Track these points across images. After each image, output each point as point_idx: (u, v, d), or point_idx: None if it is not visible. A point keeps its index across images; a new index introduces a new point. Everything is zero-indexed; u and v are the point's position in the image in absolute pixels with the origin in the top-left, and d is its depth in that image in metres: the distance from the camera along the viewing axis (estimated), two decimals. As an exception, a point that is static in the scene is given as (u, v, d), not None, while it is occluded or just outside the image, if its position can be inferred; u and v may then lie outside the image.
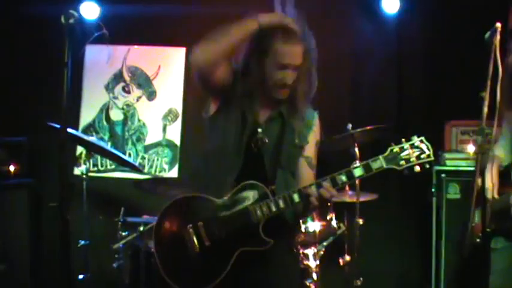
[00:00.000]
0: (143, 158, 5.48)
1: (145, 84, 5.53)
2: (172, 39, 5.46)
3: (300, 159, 2.82)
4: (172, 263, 2.67)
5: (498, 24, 2.91)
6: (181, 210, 2.74)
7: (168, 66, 5.50)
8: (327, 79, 2.98)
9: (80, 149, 5.23)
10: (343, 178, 2.60)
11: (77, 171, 4.96)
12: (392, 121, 4.96)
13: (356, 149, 4.20)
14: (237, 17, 2.89)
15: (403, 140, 2.64)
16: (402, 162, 2.60)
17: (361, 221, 4.31)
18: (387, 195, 4.87)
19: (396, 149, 2.61)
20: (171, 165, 5.45)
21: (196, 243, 2.64)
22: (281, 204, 2.61)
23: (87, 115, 5.55)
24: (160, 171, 5.44)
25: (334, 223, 4.20)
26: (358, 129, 4.19)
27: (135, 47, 5.55)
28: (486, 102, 2.84)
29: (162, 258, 2.68)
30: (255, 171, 2.72)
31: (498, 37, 2.92)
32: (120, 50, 5.53)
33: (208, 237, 2.64)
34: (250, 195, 2.65)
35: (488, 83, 2.89)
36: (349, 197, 4.35)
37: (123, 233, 4.25)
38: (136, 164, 5.19)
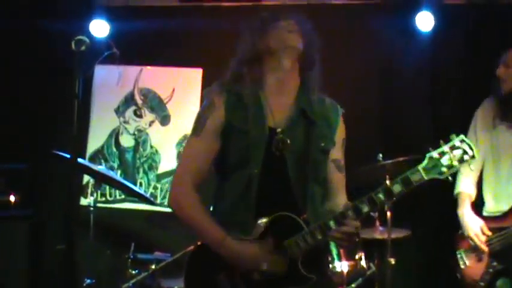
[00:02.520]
0: (155, 188, 5.47)
1: (158, 108, 5.54)
2: (188, 59, 5.48)
3: (329, 164, 2.75)
4: None
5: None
6: (210, 255, 2.61)
7: (183, 88, 5.52)
8: (356, 100, 2.95)
9: (87, 177, 5.24)
10: (381, 197, 2.49)
11: (83, 201, 4.96)
12: (428, 149, 4.90)
13: (388, 182, 4.14)
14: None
15: (441, 142, 2.49)
16: (444, 169, 2.46)
17: (392, 261, 4.24)
18: (421, 232, 4.80)
19: (435, 155, 2.46)
20: (185, 195, 5.42)
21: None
22: (318, 235, 2.52)
23: (95, 141, 5.57)
24: (173, 203, 5.41)
25: (363, 263, 4.14)
26: (390, 161, 4.13)
27: (148, 67, 5.58)
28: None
29: None
30: (278, 186, 2.63)
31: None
32: (132, 70, 5.57)
33: (245, 283, 2.56)
34: (283, 230, 2.55)
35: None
36: (379, 233, 4.30)
37: (133, 271, 4.21)
38: (148, 194, 5.18)
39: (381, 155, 4.17)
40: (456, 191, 3.94)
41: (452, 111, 5.28)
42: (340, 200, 2.74)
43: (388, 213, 4.12)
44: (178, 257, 4.04)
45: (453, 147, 2.47)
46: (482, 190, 3.92)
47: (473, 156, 2.46)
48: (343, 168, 2.79)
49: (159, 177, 5.49)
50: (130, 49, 5.43)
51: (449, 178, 2.48)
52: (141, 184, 5.47)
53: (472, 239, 3.74)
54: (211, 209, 2.79)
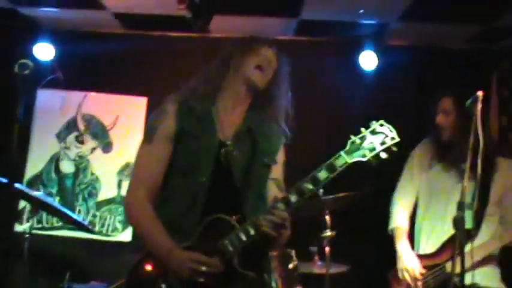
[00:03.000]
0: (94, 215, 5.41)
1: (101, 134, 5.52)
2: (133, 87, 5.50)
3: (268, 181, 2.84)
4: None
5: (480, 93, 3.00)
6: (152, 263, 2.68)
7: (127, 116, 5.52)
8: (300, 137, 3.01)
9: (23, 203, 5.15)
10: (309, 186, 2.57)
11: (19, 227, 4.87)
12: (372, 186, 4.99)
13: (327, 217, 4.20)
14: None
15: (362, 129, 2.60)
16: (366, 152, 2.56)
17: (330, 295, 4.27)
18: (359, 267, 4.85)
19: (357, 140, 2.57)
20: (125, 224, 5.38)
21: None
22: (251, 231, 2.58)
23: (34, 165, 5.50)
24: (112, 231, 5.37)
25: (301, 297, 4.16)
26: (330, 196, 4.19)
27: (92, 93, 5.56)
28: (467, 175, 2.89)
29: None
30: (223, 195, 2.71)
31: (479, 106, 3.00)
32: (75, 96, 5.54)
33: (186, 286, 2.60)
34: (218, 232, 2.62)
35: (469, 153, 2.94)
36: (318, 268, 4.32)
37: (67, 301, 4.16)
38: (86, 222, 5.11)
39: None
40: (391, 226, 4.01)
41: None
42: None
43: (327, 248, 4.16)
44: (115, 287, 3.99)
45: (373, 132, 2.58)
46: (415, 228, 4.01)
47: (393, 138, 2.56)
48: (282, 188, 2.83)
49: (99, 205, 5.44)
50: (75, 74, 5.41)
51: (374, 162, 2.56)
52: (79, 211, 5.40)
53: (408, 271, 3.79)
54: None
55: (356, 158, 2.56)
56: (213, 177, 2.71)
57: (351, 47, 5.37)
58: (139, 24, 5.44)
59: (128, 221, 2.82)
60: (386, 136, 2.58)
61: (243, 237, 2.58)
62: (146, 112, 5.49)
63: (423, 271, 3.76)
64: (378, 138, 2.57)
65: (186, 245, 2.63)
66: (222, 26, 5.27)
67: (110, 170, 5.48)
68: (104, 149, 5.51)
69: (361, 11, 4.90)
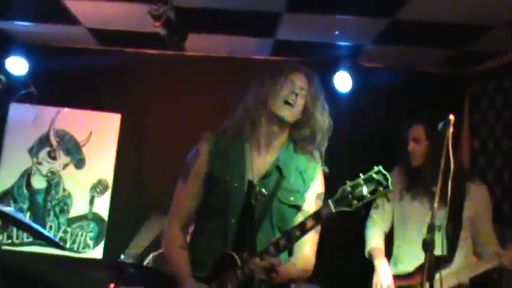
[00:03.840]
0: (66, 232, 5.39)
1: (73, 150, 5.51)
2: (107, 103, 5.51)
3: (298, 214, 2.84)
4: None
5: (451, 117, 3.04)
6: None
7: (100, 133, 5.52)
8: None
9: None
10: (297, 233, 2.59)
11: (-12, 243, 4.82)
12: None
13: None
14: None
15: (360, 174, 2.50)
16: (354, 201, 2.46)
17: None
18: (333, 285, 4.87)
19: (347, 188, 2.48)
20: (96, 241, 5.38)
21: None
22: (246, 269, 2.63)
23: (5, 180, 5.47)
24: (84, 248, 5.35)
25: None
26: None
27: (65, 109, 5.56)
28: (437, 198, 2.93)
29: None
30: (247, 234, 2.76)
31: (451, 129, 3.05)
32: (48, 111, 5.53)
33: None
34: (225, 267, 2.69)
35: (440, 176, 2.99)
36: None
37: (36, 319, 4.13)
38: (57, 238, 5.09)
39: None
40: (368, 248, 4.05)
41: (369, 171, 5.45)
42: (304, 254, 2.84)
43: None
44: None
45: (368, 179, 2.47)
46: (392, 257, 4.04)
47: (387, 187, 2.45)
48: None
49: (70, 222, 5.42)
50: (48, 89, 5.42)
51: (363, 212, 2.49)
52: (51, 227, 5.38)
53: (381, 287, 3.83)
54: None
55: (342, 208, 2.51)
56: (242, 217, 2.78)
57: (325, 68, 5.43)
58: (115, 40, 5.46)
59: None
60: (380, 184, 2.47)
61: (240, 276, 2.65)
62: (120, 128, 5.50)
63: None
64: (369, 186, 2.47)
65: (202, 275, 2.76)
66: (198, 44, 5.31)
67: (82, 186, 5.47)
68: (77, 165, 5.50)
69: (337, 32, 4.96)
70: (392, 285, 3.82)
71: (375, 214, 4.11)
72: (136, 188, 5.48)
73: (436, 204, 2.91)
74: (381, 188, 2.46)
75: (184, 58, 5.54)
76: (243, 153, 2.89)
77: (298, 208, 2.86)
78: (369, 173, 2.49)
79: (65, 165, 5.49)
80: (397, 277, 3.88)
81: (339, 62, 5.37)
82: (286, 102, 2.85)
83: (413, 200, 3.93)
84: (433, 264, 2.85)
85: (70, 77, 5.44)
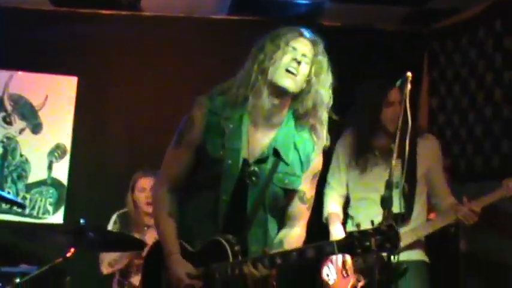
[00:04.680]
0: (24, 198, 5.33)
1: (30, 115, 5.42)
2: (63, 66, 5.41)
3: (294, 196, 2.82)
4: None
5: (409, 74, 3.08)
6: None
7: (56, 96, 5.43)
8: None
9: None
10: (295, 257, 2.52)
11: None
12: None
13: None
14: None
15: (371, 222, 2.49)
16: (359, 251, 2.37)
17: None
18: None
19: (355, 234, 2.38)
20: (56, 206, 5.34)
21: None
22: (236, 270, 2.61)
23: (-41, 147, 5.38)
24: (43, 214, 5.32)
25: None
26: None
27: (19, 73, 5.44)
28: (395, 155, 2.97)
29: None
30: (238, 214, 2.73)
31: (409, 87, 3.08)
32: (2, 75, 5.41)
33: None
34: (214, 253, 2.68)
35: (398, 133, 3.03)
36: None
37: (-4, 286, 4.10)
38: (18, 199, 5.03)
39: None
40: (325, 214, 4.09)
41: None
42: (295, 230, 2.84)
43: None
44: (45, 269, 3.96)
45: (378, 232, 2.36)
46: (349, 219, 4.10)
47: (395, 246, 2.34)
48: (307, 200, 2.85)
49: (29, 187, 5.37)
50: (0, 52, 5.29)
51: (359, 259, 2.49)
52: (9, 194, 5.30)
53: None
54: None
55: (345, 252, 2.51)
56: (234, 195, 2.74)
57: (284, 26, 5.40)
58: (69, 1, 5.35)
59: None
60: (389, 241, 2.34)
61: (229, 272, 2.62)
62: (77, 91, 5.42)
63: None
64: (378, 238, 2.34)
65: (191, 250, 2.77)
66: (154, 4, 5.25)
67: (40, 151, 5.40)
68: (33, 130, 5.42)
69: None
70: None
71: (331, 179, 4.14)
72: (96, 151, 5.43)
73: (393, 161, 2.96)
74: (389, 245, 2.34)
75: (140, 18, 5.47)
76: (240, 127, 2.77)
77: (292, 190, 2.81)
78: (381, 225, 2.40)
79: (21, 130, 5.41)
80: None
81: (298, 20, 5.34)
82: (288, 71, 2.69)
83: (371, 162, 3.97)
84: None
85: (23, 40, 5.33)
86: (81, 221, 3.77)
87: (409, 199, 3.80)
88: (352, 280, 3.88)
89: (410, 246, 3.79)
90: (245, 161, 2.75)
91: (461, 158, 5.18)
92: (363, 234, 2.36)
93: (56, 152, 5.39)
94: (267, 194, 2.74)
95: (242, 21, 5.54)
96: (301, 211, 2.84)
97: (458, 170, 5.13)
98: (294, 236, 2.81)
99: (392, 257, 3.03)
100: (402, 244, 3.30)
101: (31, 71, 5.44)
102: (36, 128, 5.42)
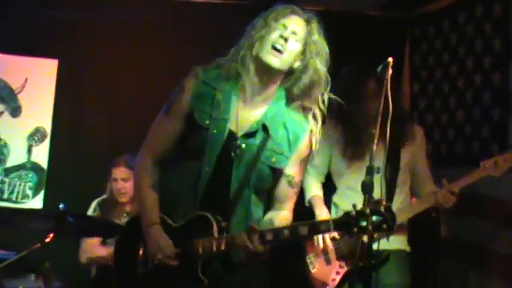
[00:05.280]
0: (3, 182, 5.28)
1: (8, 98, 5.35)
2: (43, 49, 5.34)
3: (280, 177, 2.76)
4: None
5: (390, 59, 3.04)
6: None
7: (36, 79, 5.36)
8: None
9: None
10: (287, 235, 2.48)
11: None
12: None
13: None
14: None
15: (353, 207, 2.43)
16: (355, 229, 2.36)
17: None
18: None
19: (352, 213, 2.36)
20: (35, 191, 5.29)
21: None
22: (222, 246, 2.55)
23: None
24: (22, 198, 5.27)
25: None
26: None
27: (-1, 55, 5.35)
28: (376, 140, 2.95)
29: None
30: (221, 188, 2.68)
31: (390, 72, 3.05)
32: (-20, 57, 5.32)
33: (148, 264, 2.73)
34: (199, 228, 2.62)
35: (379, 119, 3.00)
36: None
37: (-27, 271, 4.05)
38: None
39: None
40: (308, 197, 4.06)
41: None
42: (284, 213, 2.79)
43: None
44: (24, 255, 3.92)
45: (375, 212, 2.36)
46: (333, 204, 4.08)
47: (391, 227, 2.34)
48: (295, 185, 2.80)
49: (8, 171, 5.31)
50: (-22, 34, 5.21)
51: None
52: (-17, 181, 5.26)
53: (319, 237, 3.87)
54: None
55: (341, 231, 2.53)
56: (216, 168, 2.68)
57: (264, 11, 5.36)
58: (51, -17, 5.27)
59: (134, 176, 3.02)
60: (386, 223, 2.34)
61: (214, 249, 2.56)
62: (57, 74, 5.36)
63: (337, 236, 3.85)
64: (375, 219, 2.34)
65: (173, 225, 2.71)
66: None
67: (19, 135, 5.34)
68: (12, 114, 5.35)
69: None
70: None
71: (311, 164, 4.09)
72: (76, 135, 5.39)
73: (374, 147, 2.93)
74: (385, 226, 2.34)
75: (123, 2, 5.39)
76: (229, 99, 2.72)
77: (279, 171, 2.75)
78: (378, 206, 2.37)
79: (0, 114, 5.34)
80: None
81: (277, 4, 5.29)
82: (274, 48, 2.63)
83: (360, 152, 3.93)
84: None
85: (3, 22, 5.25)
86: (61, 205, 3.73)
87: (390, 184, 3.80)
88: (334, 267, 3.88)
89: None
90: (232, 134, 2.70)
91: (443, 142, 5.20)
92: (360, 214, 2.36)
93: (36, 135, 5.33)
94: (254, 172, 2.69)
95: (226, 5, 5.48)
96: (289, 194, 2.81)
97: (440, 155, 5.14)
98: (283, 218, 2.76)
99: (373, 245, 3.02)
100: None
101: (11, 53, 5.35)
102: (15, 111, 5.35)
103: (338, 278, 3.86)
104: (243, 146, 2.68)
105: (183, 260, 2.64)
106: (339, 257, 3.89)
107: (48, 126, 5.34)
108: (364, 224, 2.34)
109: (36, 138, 5.33)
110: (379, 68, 3.11)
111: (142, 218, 2.76)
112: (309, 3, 5.40)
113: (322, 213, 3.93)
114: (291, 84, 2.74)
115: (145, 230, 2.71)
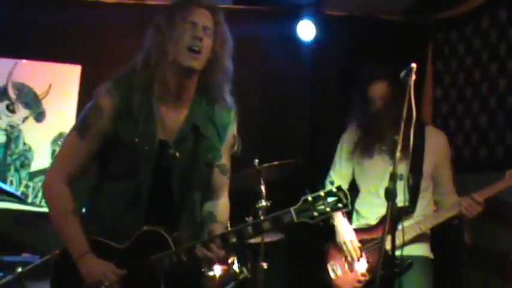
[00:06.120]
0: (27, 186, 5.30)
1: (33, 103, 5.37)
2: (67, 54, 5.36)
3: (213, 168, 2.76)
4: None
5: (413, 65, 3.01)
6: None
7: (60, 84, 5.38)
8: (235, 105, 2.96)
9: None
10: (251, 232, 2.51)
11: None
12: (305, 156, 5.02)
13: (262, 187, 4.21)
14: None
15: (319, 189, 2.52)
16: (315, 214, 2.46)
17: (265, 265, 4.30)
18: (294, 236, 4.88)
19: (310, 198, 2.48)
20: (58, 195, 5.29)
21: None
22: (183, 256, 2.52)
23: (-38, 135, 5.33)
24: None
25: (235, 267, 4.17)
26: (265, 165, 4.20)
27: (23, 61, 5.39)
28: (399, 147, 2.91)
29: None
30: (163, 199, 2.63)
31: (413, 77, 3.01)
32: (5, 63, 5.35)
33: None
34: (151, 244, 2.55)
35: (402, 125, 2.96)
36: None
37: (-2, 275, 4.07)
38: (19, 193, 5.00)
39: (257, 160, 4.22)
40: None
41: (330, 119, 5.45)
42: (221, 200, 2.81)
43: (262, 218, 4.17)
44: (48, 259, 3.92)
45: (329, 194, 2.49)
46: (355, 208, 4.03)
47: (346, 205, 2.49)
48: (227, 171, 2.82)
49: (32, 176, 5.33)
50: (4, 40, 5.23)
51: (321, 223, 2.50)
52: (12, 182, 5.28)
53: (345, 244, 3.83)
54: (83, 210, 2.76)
55: (303, 219, 2.49)
56: (154, 180, 2.62)
57: (288, 16, 5.35)
58: (73, -12, 5.29)
59: (46, 204, 2.76)
60: (340, 201, 2.49)
61: (174, 260, 2.52)
62: (80, 80, 5.37)
63: (359, 245, 3.81)
64: (330, 201, 2.48)
65: (118, 247, 2.58)
66: (159, -8, 5.17)
67: (43, 139, 5.35)
68: (37, 118, 5.37)
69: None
70: (355, 239, 3.83)
71: (332, 172, 4.08)
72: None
73: (398, 154, 2.90)
74: (341, 205, 2.49)
75: (144, 7, 5.39)
76: (151, 109, 2.62)
77: (212, 165, 2.75)
78: (329, 188, 2.51)
79: (25, 119, 5.36)
80: (359, 230, 3.89)
81: (302, 10, 5.29)
82: (191, 50, 2.57)
83: (374, 155, 3.90)
84: (395, 214, 2.85)
85: (27, 28, 5.27)
86: (83, 210, 3.73)
87: (413, 192, 3.75)
88: (356, 275, 3.83)
89: (414, 240, 3.73)
90: (163, 142, 2.64)
91: (465, 148, 5.13)
92: (316, 198, 2.47)
93: (59, 140, 5.34)
94: (194, 174, 2.66)
95: (246, 11, 5.47)
96: (224, 183, 2.82)
97: (462, 161, 5.07)
98: (222, 206, 2.80)
99: (396, 252, 2.98)
100: (406, 238, 3.27)
101: (35, 59, 5.39)
102: (39, 116, 5.38)
103: (360, 286, 3.81)
104: (177, 154, 2.63)
105: (141, 280, 2.54)
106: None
107: (71, 131, 5.35)
108: (321, 207, 2.46)
109: (59, 142, 5.34)
110: (403, 74, 3.08)
111: (70, 250, 2.58)
112: (332, 9, 5.46)
113: (340, 221, 3.89)
114: (207, 78, 2.68)
115: (78, 263, 2.54)
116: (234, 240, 2.51)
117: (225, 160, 2.80)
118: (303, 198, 2.48)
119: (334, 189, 2.50)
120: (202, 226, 2.72)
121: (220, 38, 2.67)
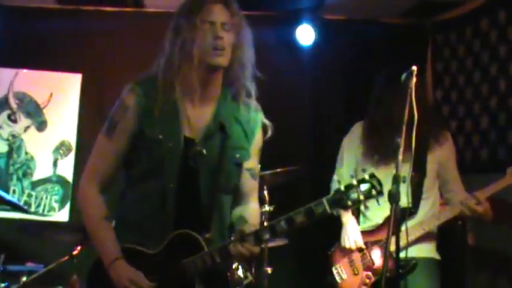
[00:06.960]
0: (30, 195, 5.31)
1: (34, 113, 5.38)
2: (67, 64, 5.37)
3: (243, 172, 2.73)
4: None
5: (414, 68, 3.01)
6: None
7: (61, 93, 5.39)
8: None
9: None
10: (284, 226, 2.46)
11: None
12: (305, 161, 5.03)
13: (265, 192, 4.21)
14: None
15: (352, 178, 2.49)
16: (349, 203, 2.45)
17: (269, 270, 4.30)
18: (298, 241, 4.89)
19: (342, 188, 2.45)
20: (61, 204, 5.31)
21: None
22: (217, 258, 2.49)
23: (-36, 145, 5.34)
24: (49, 211, 5.29)
25: (240, 272, 4.16)
26: (268, 172, 4.20)
27: (24, 70, 5.40)
28: (401, 149, 2.91)
29: None
30: (191, 200, 2.60)
31: (414, 80, 3.02)
32: (6, 73, 5.37)
33: None
34: (184, 247, 2.53)
35: (404, 128, 2.96)
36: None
37: (2, 284, 4.07)
38: (21, 202, 5.01)
39: (259, 166, 4.21)
40: None
41: (331, 124, 5.46)
42: (251, 205, 2.78)
43: (265, 223, 4.18)
44: (52, 268, 3.94)
45: (362, 181, 2.46)
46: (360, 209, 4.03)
47: (380, 192, 2.46)
48: (257, 176, 2.80)
49: (34, 185, 5.33)
50: (5, 51, 5.25)
51: (335, 213, 2.50)
52: (14, 192, 5.28)
53: (356, 243, 3.82)
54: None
55: (337, 208, 2.48)
56: (181, 180, 2.58)
57: (288, 21, 5.37)
58: (73, -1, 5.30)
59: (80, 208, 2.72)
60: (374, 188, 2.46)
61: (208, 262, 2.50)
62: (81, 89, 5.39)
63: (363, 246, 3.81)
64: (364, 189, 2.45)
65: (151, 252, 2.56)
66: (158, 0, 5.19)
67: (45, 149, 5.36)
68: (38, 128, 5.38)
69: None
70: (361, 239, 3.83)
71: (335, 174, 4.05)
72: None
73: (400, 156, 2.90)
74: (375, 192, 2.46)
75: (143, 15, 5.42)
76: (175, 107, 2.61)
77: (240, 165, 2.71)
78: (362, 176, 2.47)
79: (26, 128, 5.37)
80: (364, 233, 3.89)
81: (301, 14, 5.31)
82: (216, 49, 2.56)
83: (384, 158, 3.88)
84: (398, 216, 2.85)
85: (27, 38, 5.30)
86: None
87: (416, 193, 3.74)
88: (362, 278, 3.83)
89: (419, 241, 3.72)
90: (189, 140, 2.62)
91: (467, 149, 5.14)
92: (349, 187, 2.45)
93: (61, 149, 5.35)
94: (222, 174, 2.62)
95: (247, 17, 5.47)
96: (254, 186, 2.80)
97: (464, 162, 5.07)
98: (253, 210, 2.77)
99: (401, 253, 2.98)
100: (410, 238, 3.27)
101: (36, 68, 5.40)
102: (41, 125, 5.38)
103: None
104: (204, 151, 2.61)
105: (174, 285, 2.53)
106: (366, 268, 3.85)
107: (73, 140, 5.37)
108: (355, 195, 2.44)
109: (61, 151, 5.35)
110: (403, 77, 3.08)
111: (102, 256, 2.57)
112: (331, 13, 5.47)
113: (349, 220, 3.89)
114: (230, 73, 2.66)
115: (109, 269, 2.53)
116: (268, 236, 2.47)
117: (254, 163, 2.78)
118: (335, 188, 2.47)
119: (366, 177, 2.46)
120: (231, 230, 2.69)
121: (238, 29, 2.66)
